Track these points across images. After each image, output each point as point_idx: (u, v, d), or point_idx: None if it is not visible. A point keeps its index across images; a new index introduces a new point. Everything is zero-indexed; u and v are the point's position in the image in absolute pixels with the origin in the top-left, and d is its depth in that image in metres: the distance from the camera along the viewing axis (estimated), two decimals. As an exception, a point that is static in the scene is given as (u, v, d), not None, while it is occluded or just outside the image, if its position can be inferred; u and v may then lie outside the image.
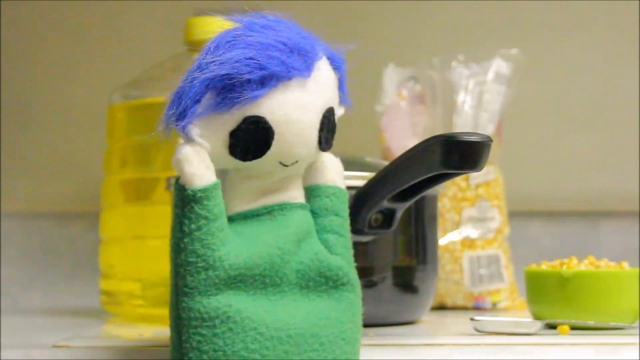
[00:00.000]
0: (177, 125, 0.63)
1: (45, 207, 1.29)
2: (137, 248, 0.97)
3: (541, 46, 1.30)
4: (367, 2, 1.29)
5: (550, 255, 0.94)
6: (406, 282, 0.88)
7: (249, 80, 0.62)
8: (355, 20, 1.29)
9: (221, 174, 0.67)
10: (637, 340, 0.72)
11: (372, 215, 0.79)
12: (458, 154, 0.69)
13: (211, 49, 0.64)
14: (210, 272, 0.62)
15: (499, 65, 1.14)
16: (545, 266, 0.84)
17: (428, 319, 0.94)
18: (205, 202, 0.62)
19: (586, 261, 0.83)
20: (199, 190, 0.62)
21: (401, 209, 0.80)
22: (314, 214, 0.67)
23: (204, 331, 0.62)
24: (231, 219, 0.65)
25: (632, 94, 1.30)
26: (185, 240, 0.62)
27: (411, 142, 1.08)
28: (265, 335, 0.62)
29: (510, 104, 1.16)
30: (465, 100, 1.13)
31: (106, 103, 1.04)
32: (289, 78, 0.64)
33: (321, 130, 0.66)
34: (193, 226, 0.62)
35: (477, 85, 1.14)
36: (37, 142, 1.30)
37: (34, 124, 1.30)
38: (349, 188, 0.80)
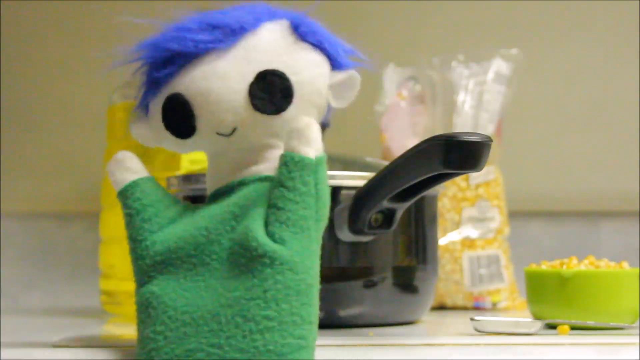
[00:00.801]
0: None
1: (45, 207, 1.29)
2: (137, 248, 0.97)
3: (541, 46, 1.30)
4: (367, 2, 1.29)
5: (550, 255, 0.94)
6: (406, 282, 0.87)
7: (153, 63, 0.68)
8: (355, 20, 1.29)
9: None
10: (637, 340, 0.72)
11: (372, 215, 0.79)
12: (458, 154, 0.69)
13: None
14: (140, 262, 0.67)
15: (499, 65, 1.14)
16: (545, 266, 0.84)
17: (428, 319, 0.94)
18: (126, 201, 0.68)
19: (586, 261, 0.83)
20: (119, 193, 0.69)
21: (401, 209, 0.80)
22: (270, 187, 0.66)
23: (137, 318, 0.66)
24: (208, 199, 0.69)
25: (632, 94, 1.30)
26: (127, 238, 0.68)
27: (411, 142, 1.08)
28: (173, 318, 0.64)
29: (510, 104, 1.16)
30: (465, 100, 1.13)
31: (106, 103, 1.04)
32: (201, 52, 0.67)
33: (253, 94, 0.66)
34: (125, 224, 0.68)
35: (477, 85, 1.14)
36: (37, 142, 1.30)
37: (34, 124, 1.30)
38: (349, 188, 0.80)
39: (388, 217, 0.80)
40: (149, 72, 0.68)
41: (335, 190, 0.78)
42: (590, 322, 0.79)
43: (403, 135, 1.14)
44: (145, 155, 0.98)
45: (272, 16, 0.68)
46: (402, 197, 0.77)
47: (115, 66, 0.69)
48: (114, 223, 1.02)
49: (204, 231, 0.66)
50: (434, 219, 0.91)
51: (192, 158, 0.98)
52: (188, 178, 0.87)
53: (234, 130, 0.67)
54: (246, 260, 0.64)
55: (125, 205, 0.68)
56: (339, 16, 1.31)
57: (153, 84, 0.68)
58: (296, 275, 0.63)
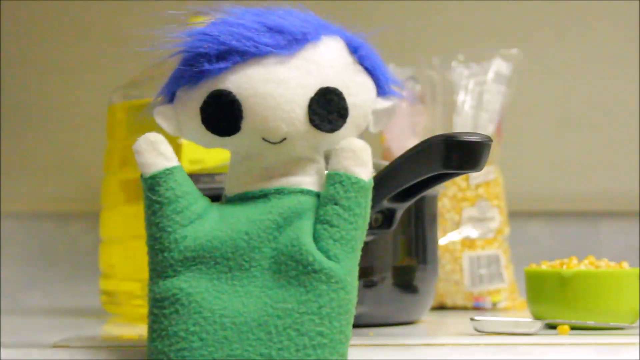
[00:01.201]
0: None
1: (45, 207, 1.29)
2: (137, 248, 0.97)
3: (541, 46, 1.30)
4: (367, 2, 1.29)
5: (550, 255, 0.94)
6: (406, 282, 0.87)
7: (205, 55, 0.65)
8: (355, 20, 1.28)
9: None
10: (637, 340, 0.72)
11: (372, 215, 0.79)
12: (458, 154, 0.69)
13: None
14: (166, 254, 0.65)
15: (499, 65, 1.14)
16: (545, 266, 0.84)
17: (428, 319, 0.94)
18: (156, 188, 0.65)
19: (586, 261, 0.83)
20: (149, 177, 0.66)
21: (401, 209, 0.80)
22: (319, 202, 0.66)
23: (156, 311, 0.65)
24: (229, 199, 0.67)
25: (632, 94, 1.30)
26: (146, 225, 0.66)
27: (411, 142, 1.08)
28: (209, 320, 0.63)
29: (510, 104, 1.16)
30: (465, 100, 1.13)
31: (106, 103, 1.04)
32: (260, 54, 0.65)
33: (313, 109, 0.65)
34: (149, 211, 0.66)
35: (477, 85, 1.14)
36: (37, 142, 1.30)
37: (34, 124, 1.30)
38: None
39: (388, 217, 0.80)
40: (195, 61, 0.66)
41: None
42: (590, 322, 0.79)
43: (403, 135, 1.14)
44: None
45: (328, 30, 0.68)
46: (402, 197, 0.77)
47: (157, 48, 0.66)
48: (114, 223, 1.02)
49: (245, 236, 0.65)
50: (434, 219, 0.91)
51: (192, 158, 0.98)
52: (188, 178, 0.87)
53: (283, 139, 0.66)
54: (297, 273, 0.64)
55: (154, 192, 0.65)
56: (339, 16, 1.31)
57: (196, 74, 0.66)
58: (347, 294, 0.64)
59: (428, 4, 1.30)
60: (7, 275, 1.28)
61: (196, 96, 0.66)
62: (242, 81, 0.65)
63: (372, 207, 0.78)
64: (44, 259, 1.28)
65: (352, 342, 0.71)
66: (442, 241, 1.11)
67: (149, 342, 0.65)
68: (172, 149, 0.67)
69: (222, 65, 0.65)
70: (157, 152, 0.66)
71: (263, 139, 0.66)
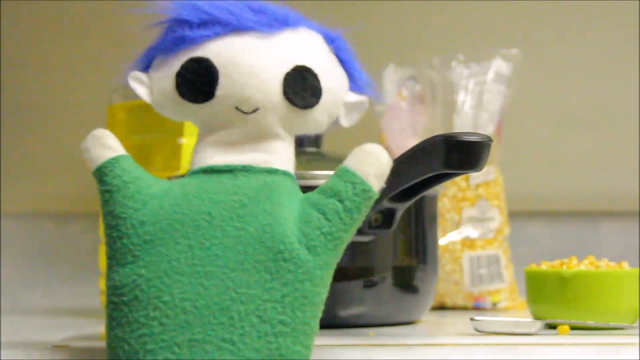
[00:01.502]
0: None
1: (45, 207, 1.29)
2: (137, 248, 0.97)
3: (541, 46, 1.30)
4: (367, 2, 1.29)
5: (550, 255, 0.94)
6: (406, 282, 0.87)
7: (187, 22, 0.67)
8: (355, 20, 1.28)
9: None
10: (637, 340, 0.72)
11: (372, 215, 0.79)
12: (458, 154, 0.69)
13: None
14: (125, 240, 0.64)
15: (499, 65, 1.14)
16: (545, 266, 0.84)
17: (428, 319, 0.94)
18: (104, 178, 0.66)
19: (586, 261, 0.83)
20: (95, 171, 0.67)
21: (401, 209, 0.80)
22: (322, 189, 0.66)
23: (115, 299, 0.64)
24: (193, 173, 0.67)
25: (632, 94, 1.30)
26: (103, 218, 0.66)
27: (411, 142, 1.08)
28: (169, 304, 0.62)
29: (510, 104, 1.16)
30: (465, 100, 1.13)
31: (106, 103, 1.04)
32: (241, 28, 0.67)
33: (288, 83, 0.67)
34: (102, 202, 0.66)
35: (477, 85, 1.14)
36: (37, 142, 1.30)
37: (34, 124, 1.30)
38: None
39: (388, 217, 0.80)
40: (177, 28, 0.67)
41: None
42: (590, 322, 0.79)
43: (403, 135, 1.14)
44: (145, 155, 0.99)
45: (307, 23, 0.70)
46: (402, 197, 0.77)
47: (144, 12, 0.68)
48: (114, 223, 1.01)
49: (207, 216, 0.64)
50: (434, 219, 0.91)
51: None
52: (188, 178, 0.87)
53: (255, 110, 0.67)
54: (265, 259, 0.63)
55: (103, 183, 0.66)
56: (339, 16, 1.31)
57: (176, 41, 0.67)
58: (315, 287, 0.64)
59: (428, 4, 1.30)
60: (7, 275, 1.28)
61: (173, 63, 0.67)
62: (221, 50, 0.67)
63: (372, 207, 0.78)
64: (44, 259, 1.28)
65: (352, 342, 0.71)
66: (442, 241, 1.11)
67: (108, 330, 0.64)
68: (119, 142, 0.67)
69: (203, 32, 0.67)
70: (101, 146, 0.67)
71: (236, 108, 0.67)
